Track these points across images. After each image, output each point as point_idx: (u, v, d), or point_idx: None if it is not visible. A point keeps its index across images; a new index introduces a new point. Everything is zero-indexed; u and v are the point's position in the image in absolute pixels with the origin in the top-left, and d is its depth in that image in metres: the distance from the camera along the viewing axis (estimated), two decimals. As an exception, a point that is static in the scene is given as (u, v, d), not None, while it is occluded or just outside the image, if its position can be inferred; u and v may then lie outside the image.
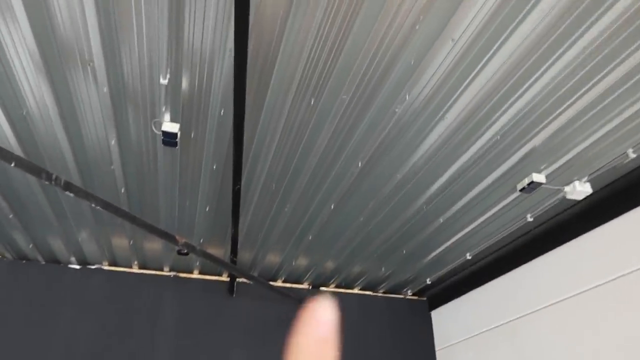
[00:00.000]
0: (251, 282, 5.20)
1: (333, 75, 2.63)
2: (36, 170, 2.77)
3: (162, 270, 5.17)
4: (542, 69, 2.56)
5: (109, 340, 4.70)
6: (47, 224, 4.25)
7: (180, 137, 3.09)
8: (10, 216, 4.10)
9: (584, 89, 2.69)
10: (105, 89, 2.77)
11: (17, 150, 3.24)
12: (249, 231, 4.34)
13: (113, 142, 3.20)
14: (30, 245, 4.62)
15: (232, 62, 2.32)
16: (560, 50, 2.44)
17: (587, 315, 3.64)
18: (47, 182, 2.79)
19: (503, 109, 2.84)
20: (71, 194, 2.89)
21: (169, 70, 2.61)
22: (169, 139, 2.94)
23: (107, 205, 3.08)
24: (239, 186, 3.17)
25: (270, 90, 2.75)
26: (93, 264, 5.03)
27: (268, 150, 3.26)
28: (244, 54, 2.18)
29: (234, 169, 2.98)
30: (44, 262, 4.95)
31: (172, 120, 2.95)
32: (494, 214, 3.95)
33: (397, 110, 2.86)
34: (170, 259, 4.94)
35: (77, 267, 5.00)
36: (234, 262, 4.28)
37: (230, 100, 2.56)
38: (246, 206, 3.91)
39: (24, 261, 4.91)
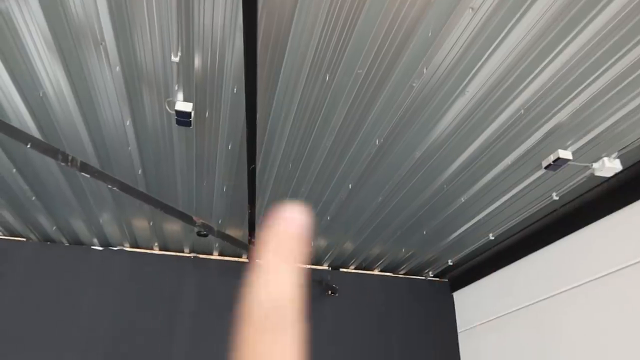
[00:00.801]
0: (271, 264, 5.19)
1: (347, 50, 2.55)
2: (52, 152, 2.78)
3: (182, 251, 5.21)
4: (568, 39, 2.42)
5: (131, 320, 4.78)
6: (68, 206, 4.31)
7: (194, 117, 3.06)
8: (33, 199, 4.17)
9: (612, 60, 2.54)
10: (118, 69, 2.74)
11: (35, 132, 3.27)
12: (267, 212, 4.31)
13: (128, 122, 3.18)
14: (54, 228, 4.70)
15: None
16: (588, 18, 2.30)
17: (614, 297, 3.51)
18: (63, 164, 2.80)
19: (527, 81, 2.71)
20: (87, 175, 2.90)
21: (180, 48, 2.56)
22: (183, 118, 2.91)
23: (124, 187, 3.09)
24: (253, 166, 3.13)
25: (284, 67, 2.68)
26: (115, 246, 5.10)
27: (283, 129, 3.20)
28: (254, 30, 2.11)
29: (248, 148, 2.93)
30: (67, 244, 5.04)
31: (186, 99, 2.92)
32: (517, 193, 3.82)
33: (414, 84, 2.76)
34: (190, 241, 4.97)
35: (100, 248, 5.07)
36: (252, 243, 4.27)
37: (243, 78, 2.51)
38: (263, 187, 3.88)
39: (49, 243, 5.01)
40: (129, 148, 3.47)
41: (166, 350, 4.72)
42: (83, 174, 2.89)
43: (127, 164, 3.65)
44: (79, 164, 2.83)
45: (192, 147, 3.41)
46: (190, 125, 2.95)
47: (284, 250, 0.29)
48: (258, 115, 2.80)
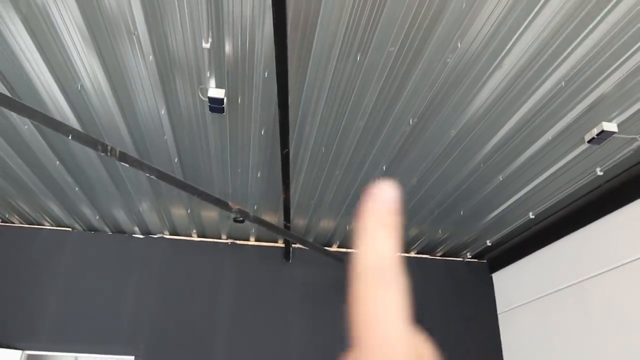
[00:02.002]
0: (306, 248, 5.22)
1: (378, 27, 2.50)
2: (92, 142, 2.86)
3: (219, 238, 5.30)
4: (610, 5, 2.29)
5: (173, 305, 4.91)
6: (110, 196, 4.44)
7: (227, 103, 3.08)
8: (76, 189, 4.31)
9: (661, 24, 2.40)
10: (151, 58, 2.78)
11: (75, 124, 3.36)
12: (301, 197, 4.32)
13: (163, 111, 3.23)
14: (97, 217, 4.86)
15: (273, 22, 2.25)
16: (634, -21, 2.18)
17: (666, 274, 3.37)
18: (103, 154, 2.87)
19: (567, 52, 2.59)
20: (126, 165, 2.97)
21: (210, 34, 2.57)
22: (216, 104, 2.93)
23: (162, 175, 3.14)
24: (287, 150, 3.13)
25: (314, 49, 2.66)
26: (155, 234, 5.23)
27: (315, 112, 3.18)
28: (283, 8, 2.09)
29: (281, 132, 2.94)
30: (110, 233, 5.20)
31: (218, 86, 2.94)
32: (559, 169, 3.70)
33: (449, 60, 2.68)
34: (227, 227, 5.05)
35: (141, 236, 5.22)
36: (287, 227, 4.30)
37: (273, 62, 2.50)
38: (296, 171, 3.88)
39: (93, 232, 5.18)
40: (165, 137, 3.53)
41: (209, 334, 4.84)
42: (122, 163, 2.96)
43: (163, 153, 3.72)
44: (117, 154, 2.90)
45: (225, 133, 3.44)
46: (224, 112, 2.97)
47: (383, 218, 0.31)
48: (290, 98, 2.80)
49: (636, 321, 3.56)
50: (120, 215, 4.83)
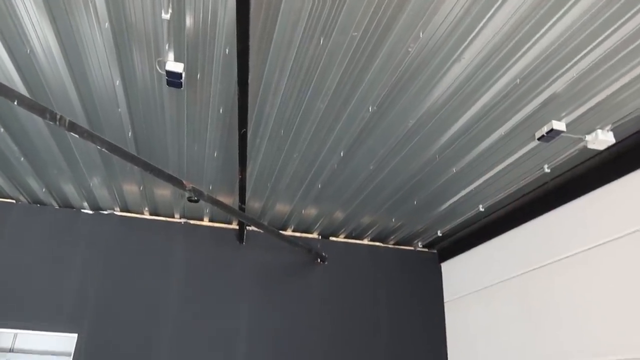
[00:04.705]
0: (261, 231, 5.21)
1: (343, 11, 2.49)
2: (40, 110, 2.72)
3: (173, 217, 5.20)
4: (567, 6, 2.37)
5: (121, 283, 4.80)
6: (58, 168, 4.26)
7: (185, 78, 3.00)
8: (22, 159, 4.11)
9: (608, 31, 2.50)
10: (107, 25, 2.66)
11: (22, 90, 3.19)
12: (258, 179, 4.29)
13: (118, 82, 3.12)
14: (44, 190, 4.66)
15: (236, -5, 2.20)
16: (589, -17, 2.25)
17: (600, 269, 3.57)
18: (51, 122, 2.74)
19: (524, 49, 2.67)
20: (76, 135, 2.85)
21: (170, 4, 2.49)
22: (174, 79, 2.85)
23: (113, 148, 3.04)
24: (244, 130, 3.09)
25: (278, 27, 2.62)
26: (105, 210, 5.07)
27: (276, 93, 3.15)
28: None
29: (240, 111, 2.89)
30: (58, 207, 5.01)
31: (177, 59, 2.85)
32: (509, 164, 3.83)
33: (410, 49, 2.71)
34: (181, 206, 4.96)
35: (90, 212, 5.05)
36: (242, 209, 4.27)
37: (235, 39, 2.44)
38: (254, 153, 3.85)
39: (39, 205, 4.97)
40: (119, 109, 3.41)
41: (156, 314, 4.76)
42: (72, 133, 2.84)
43: (117, 126, 3.59)
44: (67, 123, 2.77)
45: (182, 109, 3.36)
46: (181, 87, 2.89)
47: None
48: (250, 77, 2.76)
49: (573, 312, 3.76)
50: (69, 189, 4.65)
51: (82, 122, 3.50)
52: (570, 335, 3.74)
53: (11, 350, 6.16)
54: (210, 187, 4.47)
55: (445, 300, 5.60)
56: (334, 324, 5.17)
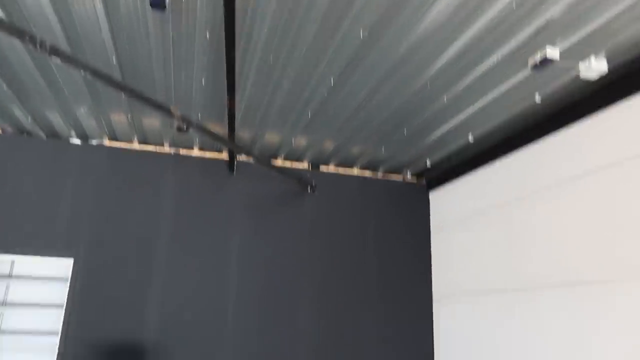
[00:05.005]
0: (251, 161, 5.23)
1: None
2: (19, 33, 2.62)
3: (162, 146, 5.18)
4: None
5: (112, 212, 4.86)
6: (43, 97, 4.17)
7: (170, 1, 2.87)
8: (4, 87, 4.01)
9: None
10: (83, -60, 2.51)
11: (-2, 13, 3.05)
12: (247, 108, 4.25)
13: (99, 5, 2.98)
14: (29, 119, 4.59)
15: None
16: None
17: (584, 200, 3.66)
18: (32, 46, 2.65)
19: (521, -29, 2.57)
20: (58, 60, 2.77)
21: None
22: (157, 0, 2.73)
23: (97, 73, 2.97)
24: (233, 55, 3.01)
25: (265, -56, 2.49)
26: (94, 140, 5.03)
27: (264, 18, 3.04)
28: None
29: (227, 34, 2.80)
30: (45, 137, 4.95)
31: (159, -22, 2.72)
32: (501, 94, 3.80)
33: (404, -30, 2.60)
34: (170, 136, 4.93)
35: (79, 142, 5.01)
36: (232, 139, 4.25)
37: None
38: (243, 80, 3.78)
39: (26, 135, 4.91)
40: (102, 34, 3.28)
41: (149, 241, 4.87)
42: (54, 57, 2.75)
43: (100, 51, 3.48)
44: (48, 47, 2.68)
45: (168, 33, 3.24)
46: (165, 8, 2.78)
47: None
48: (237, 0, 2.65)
49: (552, 240, 3.90)
50: (55, 119, 4.59)
51: (64, 47, 3.39)
52: (546, 259, 3.90)
53: (10, 276, 6.33)
54: (199, 116, 4.43)
55: (431, 228, 5.76)
56: (324, 252, 5.34)
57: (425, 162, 5.37)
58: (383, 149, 5.09)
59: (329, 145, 5.05)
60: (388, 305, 5.37)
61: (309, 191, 5.42)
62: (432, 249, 5.69)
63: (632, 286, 3.16)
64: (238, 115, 4.33)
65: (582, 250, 3.60)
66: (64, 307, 4.56)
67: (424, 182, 5.96)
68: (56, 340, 4.67)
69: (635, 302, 3.13)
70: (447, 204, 5.53)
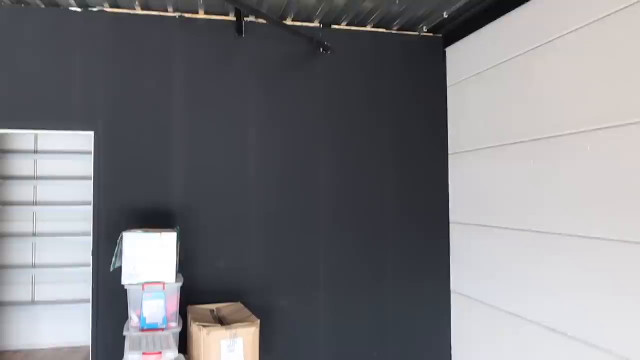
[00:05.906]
0: (259, 21, 5.02)
1: None
2: None
3: (166, 11, 4.96)
4: None
5: (125, 81, 4.83)
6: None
7: None
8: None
9: None
10: None
11: None
12: (252, -39, 3.95)
13: None
14: (24, -13, 4.37)
15: None
16: None
17: (609, 42, 3.49)
18: None
19: None
20: None
21: None
22: None
23: None
24: None
25: None
26: (94, 6, 4.82)
27: None
28: None
29: None
30: (43, 6, 4.76)
31: None
32: None
33: None
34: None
35: (79, 9, 4.81)
36: (238, -4, 4.04)
37: None
38: None
39: (23, 6, 4.72)
40: None
41: (164, 112, 4.91)
42: None
43: None
44: None
45: None
46: None
47: None
48: None
49: (578, 89, 3.82)
50: (50, -15, 4.35)
51: None
52: (565, 108, 3.86)
53: (36, 152, 6.57)
54: (201, -26, 4.16)
55: (448, 84, 5.66)
56: (339, 113, 5.34)
57: (442, 15, 5.09)
58: (397, 3, 4.80)
59: (340, 1, 4.78)
60: (404, 161, 5.51)
61: (322, 51, 5.27)
62: (448, 104, 5.66)
63: (649, 129, 3.16)
64: (242, -30, 4.05)
65: (603, 95, 3.54)
66: (92, 179, 4.78)
67: (440, 36, 5.71)
68: (89, 209, 4.98)
69: (650, 144, 3.15)
70: (464, 58, 5.35)
